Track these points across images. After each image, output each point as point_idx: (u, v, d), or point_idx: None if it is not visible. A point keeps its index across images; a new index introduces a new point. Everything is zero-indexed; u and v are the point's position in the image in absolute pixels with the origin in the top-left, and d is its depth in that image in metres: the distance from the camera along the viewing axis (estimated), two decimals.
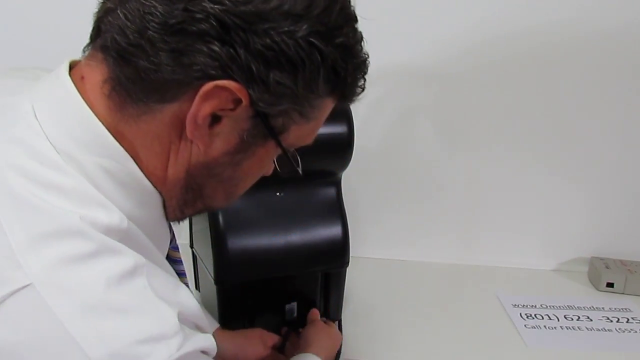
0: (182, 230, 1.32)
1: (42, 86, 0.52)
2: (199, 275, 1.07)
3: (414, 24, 1.16)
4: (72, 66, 0.52)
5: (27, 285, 0.42)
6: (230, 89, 0.46)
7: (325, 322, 0.91)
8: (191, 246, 1.05)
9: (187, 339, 0.46)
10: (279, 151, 0.55)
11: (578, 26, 1.14)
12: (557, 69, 1.18)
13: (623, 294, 1.17)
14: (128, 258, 0.46)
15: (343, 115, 0.90)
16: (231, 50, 0.45)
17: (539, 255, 1.29)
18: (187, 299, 0.51)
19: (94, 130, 0.48)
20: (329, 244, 0.92)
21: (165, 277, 0.51)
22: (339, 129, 0.90)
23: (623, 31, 1.14)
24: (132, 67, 0.46)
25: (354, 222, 0.97)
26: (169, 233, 0.61)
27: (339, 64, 0.50)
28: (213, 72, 0.46)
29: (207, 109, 0.47)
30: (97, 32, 0.50)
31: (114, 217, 0.47)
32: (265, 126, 0.50)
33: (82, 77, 0.50)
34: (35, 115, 0.49)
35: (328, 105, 0.55)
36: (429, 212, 1.29)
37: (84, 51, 0.52)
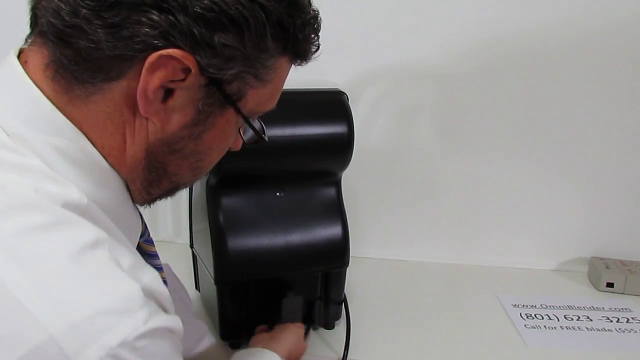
0: (182, 230, 1.33)
1: None
2: (199, 275, 1.07)
3: (415, 25, 1.16)
4: (19, 54, 0.50)
5: None
6: (176, 57, 0.45)
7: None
8: (191, 246, 1.05)
9: (153, 315, 0.44)
10: (240, 120, 0.53)
11: (577, 27, 1.14)
12: (556, 70, 1.18)
13: (623, 294, 1.17)
14: (89, 231, 0.45)
15: (343, 115, 0.90)
16: (170, 17, 0.44)
17: (539, 255, 1.29)
18: (154, 278, 0.49)
19: (42, 108, 0.47)
20: (328, 244, 0.92)
21: (131, 254, 0.48)
22: (339, 129, 0.90)
23: (622, 31, 1.14)
24: (72, 48, 0.45)
25: (354, 222, 0.97)
26: (138, 220, 0.59)
27: (285, 19, 0.49)
28: (155, 42, 0.44)
29: (155, 81, 0.46)
30: (35, 19, 0.49)
31: (72, 192, 0.46)
32: (220, 93, 0.49)
33: (26, 62, 0.49)
34: None
35: (283, 66, 0.54)
36: (429, 212, 1.29)
37: (26, 40, 0.50)
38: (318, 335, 0.97)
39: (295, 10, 0.50)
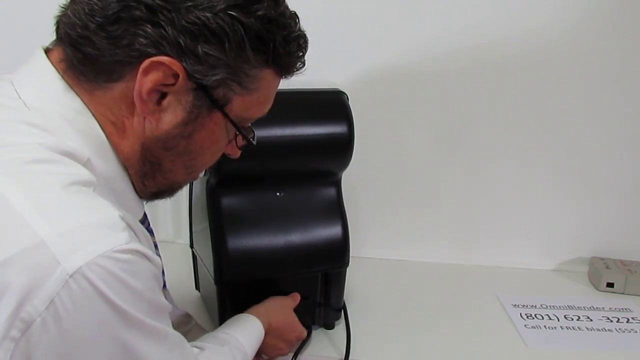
0: (182, 230, 1.33)
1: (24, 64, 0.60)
2: (199, 275, 1.07)
3: (415, 25, 1.17)
4: (46, 52, 0.60)
5: None
6: (165, 63, 0.53)
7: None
8: (191, 246, 1.05)
9: (134, 240, 0.50)
10: (228, 123, 0.60)
11: (575, 28, 1.15)
12: (556, 72, 1.18)
13: (623, 294, 1.17)
14: (84, 172, 0.53)
15: (343, 116, 0.90)
16: (161, 29, 0.53)
17: (539, 255, 1.29)
18: (142, 229, 0.55)
19: (57, 87, 0.56)
20: (329, 244, 0.92)
21: (122, 210, 0.53)
22: (338, 129, 0.90)
23: (618, 31, 1.14)
24: (81, 52, 0.55)
25: (354, 223, 0.98)
26: (139, 203, 0.64)
27: (264, 34, 0.56)
28: (148, 50, 0.53)
29: (148, 84, 0.54)
30: (57, 28, 0.59)
31: (75, 150, 0.53)
32: (207, 97, 0.57)
33: (48, 54, 0.59)
34: (12, 82, 0.57)
35: (268, 78, 0.60)
36: (429, 212, 1.29)
37: (51, 44, 0.60)
38: (318, 335, 0.97)
39: (275, 28, 0.57)
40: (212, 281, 0.89)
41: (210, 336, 0.77)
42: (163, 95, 0.56)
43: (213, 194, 0.88)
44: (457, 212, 1.29)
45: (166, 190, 0.66)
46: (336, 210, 0.93)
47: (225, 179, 0.87)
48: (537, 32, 1.16)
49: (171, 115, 0.57)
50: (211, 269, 0.89)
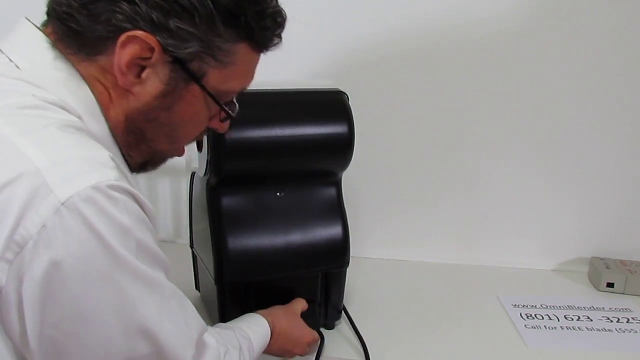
0: (182, 230, 1.33)
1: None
2: (199, 275, 1.07)
3: (416, 25, 1.17)
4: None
5: None
6: (140, 37, 0.56)
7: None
8: (191, 246, 1.05)
9: (123, 180, 0.53)
10: (207, 96, 0.62)
11: (575, 28, 1.15)
12: (556, 71, 1.18)
13: (623, 294, 1.17)
14: (77, 119, 0.56)
15: (343, 115, 0.90)
16: (135, 6, 0.56)
17: (539, 255, 1.29)
18: (131, 175, 0.61)
19: (49, 53, 0.59)
20: (329, 243, 0.92)
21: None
22: (339, 129, 0.90)
23: (623, 32, 1.14)
24: (67, 27, 0.58)
25: (355, 223, 0.97)
26: (127, 168, 0.66)
27: (234, 9, 0.59)
28: (124, 25, 0.56)
29: (126, 56, 0.57)
30: (48, 4, 0.62)
31: (69, 102, 0.57)
32: (183, 70, 0.59)
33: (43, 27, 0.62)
34: (1, 50, 0.60)
35: (243, 52, 0.62)
36: (430, 213, 1.29)
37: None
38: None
39: (246, 3, 0.60)
40: (212, 281, 0.89)
41: (215, 325, 0.78)
42: (142, 69, 0.59)
43: (213, 194, 0.88)
44: (458, 212, 1.29)
45: (150, 161, 0.69)
46: (336, 210, 0.93)
47: (225, 179, 0.87)
48: (538, 32, 1.16)
49: (150, 87, 0.60)
50: (211, 269, 0.89)
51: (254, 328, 0.80)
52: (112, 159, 0.54)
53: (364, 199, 1.28)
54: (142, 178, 1.45)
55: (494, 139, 1.24)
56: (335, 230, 0.92)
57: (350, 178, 0.98)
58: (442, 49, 1.18)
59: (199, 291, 1.09)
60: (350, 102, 0.92)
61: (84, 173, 0.50)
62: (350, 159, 0.92)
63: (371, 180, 1.28)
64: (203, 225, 0.92)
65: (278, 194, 0.90)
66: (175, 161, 1.22)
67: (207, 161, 0.86)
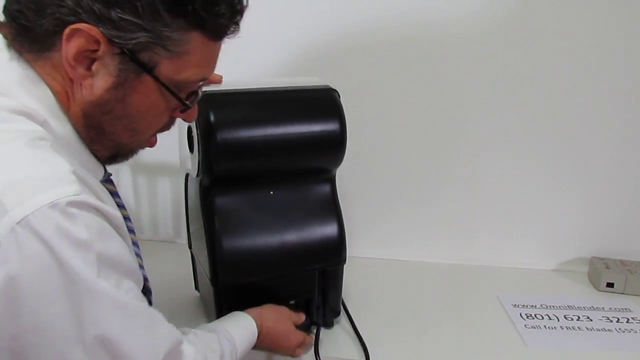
0: (182, 230, 1.33)
1: None
2: (198, 276, 1.07)
3: (409, 19, 1.16)
4: None
5: None
6: (83, 29, 0.56)
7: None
8: (189, 247, 1.05)
9: (84, 193, 0.53)
10: (160, 86, 0.62)
11: (575, 28, 1.15)
12: (557, 71, 1.18)
13: (623, 294, 1.16)
14: (40, 129, 0.56)
15: (335, 113, 0.90)
16: None
17: (539, 255, 1.28)
18: (95, 181, 0.61)
19: (1, 54, 0.59)
20: (325, 241, 0.92)
21: (74, 165, 0.57)
22: (331, 126, 0.90)
23: (624, 32, 1.14)
24: (19, 25, 0.59)
25: (352, 222, 0.97)
26: (97, 163, 0.67)
27: None
28: (68, 18, 0.56)
29: (72, 49, 0.57)
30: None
31: (32, 106, 0.57)
32: (132, 61, 0.59)
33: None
34: None
35: (196, 40, 0.61)
36: (429, 212, 1.29)
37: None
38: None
39: None
40: (209, 282, 0.89)
41: (199, 326, 0.78)
42: (92, 62, 0.59)
43: (206, 195, 0.87)
44: (457, 212, 1.29)
45: (118, 153, 0.68)
46: (331, 207, 0.93)
47: (218, 179, 0.86)
48: (538, 32, 1.16)
49: (102, 80, 0.59)
50: (207, 270, 0.89)
51: (240, 330, 0.80)
52: (73, 172, 0.54)
53: (361, 199, 1.27)
54: (142, 178, 1.45)
55: (493, 136, 1.23)
56: (330, 228, 0.92)
57: (347, 178, 0.98)
58: (439, 43, 1.17)
59: (199, 292, 1.09)
60: (342, 100, 0.92)
61: (40, 192, 0.50)
62: (343, 155, 0.91)
63: (368, 179, 1.27)
64: (198, 226, 0.91)
65: (271, 192, 0.90)
66: (175, 161, 1.23)
67: (198, 162, 0.85)
